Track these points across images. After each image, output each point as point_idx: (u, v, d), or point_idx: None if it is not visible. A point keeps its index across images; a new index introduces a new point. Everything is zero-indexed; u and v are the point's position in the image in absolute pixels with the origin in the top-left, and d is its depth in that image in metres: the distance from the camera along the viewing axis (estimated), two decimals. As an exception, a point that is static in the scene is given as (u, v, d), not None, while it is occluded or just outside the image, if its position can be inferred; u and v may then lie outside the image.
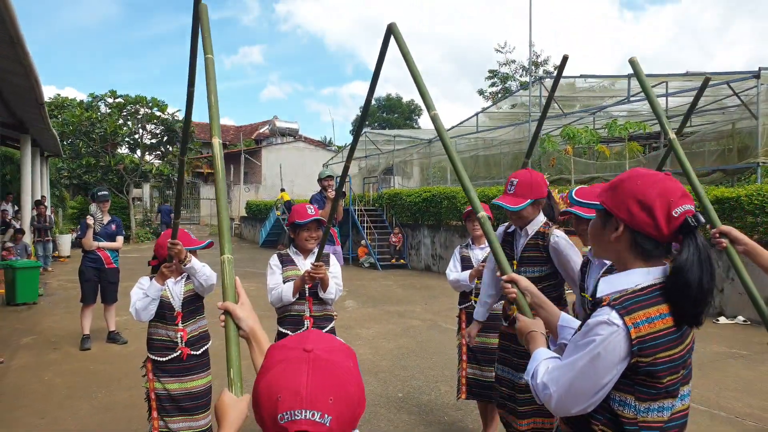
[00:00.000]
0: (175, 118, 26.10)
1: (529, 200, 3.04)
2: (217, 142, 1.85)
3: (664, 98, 13.14)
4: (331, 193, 9.25)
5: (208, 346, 3.55)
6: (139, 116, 25.87)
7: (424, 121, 53.27)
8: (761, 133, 10.55)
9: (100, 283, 7.08)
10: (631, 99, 13.85)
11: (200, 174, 35.90)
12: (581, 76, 15.40)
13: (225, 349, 1.40)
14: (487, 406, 4.18)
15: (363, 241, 16.37)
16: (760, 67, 10.64)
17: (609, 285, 1.54)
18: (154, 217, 28.65)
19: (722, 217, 8.65)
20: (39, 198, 16.09)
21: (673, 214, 1.46)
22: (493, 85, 43.58)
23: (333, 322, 3.65)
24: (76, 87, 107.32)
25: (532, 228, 3.21)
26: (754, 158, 10.72)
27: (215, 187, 1.84)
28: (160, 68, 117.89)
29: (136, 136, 26.38)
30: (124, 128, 25.55)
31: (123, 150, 26.79)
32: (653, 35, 78.61)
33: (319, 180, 9.36)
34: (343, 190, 11.57)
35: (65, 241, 17.55)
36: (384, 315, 9.03)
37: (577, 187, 2.31)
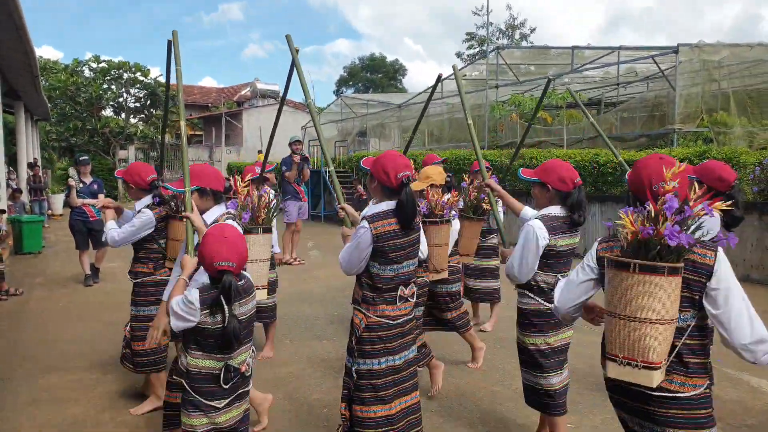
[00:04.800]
0: (158, 81, 27.05)
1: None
2: (183, 124, 3.34)
3: (616, 66, 14.90)
4: (296, 157, 10.67)
5: None
6: (123, 81, 26.83)
7: (408, 81, 53.81)
8: (678, 103, 12.06)
9: (88, 232, 8.46)
10: (578, 69, 15.45)
11: (184, 136, 36.84)
12: (533, 47, 16.71)
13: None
14: None
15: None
16: (678, 44, 12.06)
17: (370, 210, 2.99)
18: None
19: (627, 176, 10.18)
20: (31, 161, 17.27)
21: (398, 176, 2.87)
22: (471, 47, 44.63)
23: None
24: (54, 46, 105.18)
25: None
26: (672, 125, 12.27)
27: (182, 153, 3.29)
28: (142, 27, 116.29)
29: (120, 100, 27.39)
30: (109, 92, 26.53)
31: (108, 113, 27.81)
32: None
33: (289, 144, 10.74)
34: (307, 155, 12.92)
35: (58, 200, 18.65)
36: (342, 261, 10.51)
37: (365, 158, 3.26)
